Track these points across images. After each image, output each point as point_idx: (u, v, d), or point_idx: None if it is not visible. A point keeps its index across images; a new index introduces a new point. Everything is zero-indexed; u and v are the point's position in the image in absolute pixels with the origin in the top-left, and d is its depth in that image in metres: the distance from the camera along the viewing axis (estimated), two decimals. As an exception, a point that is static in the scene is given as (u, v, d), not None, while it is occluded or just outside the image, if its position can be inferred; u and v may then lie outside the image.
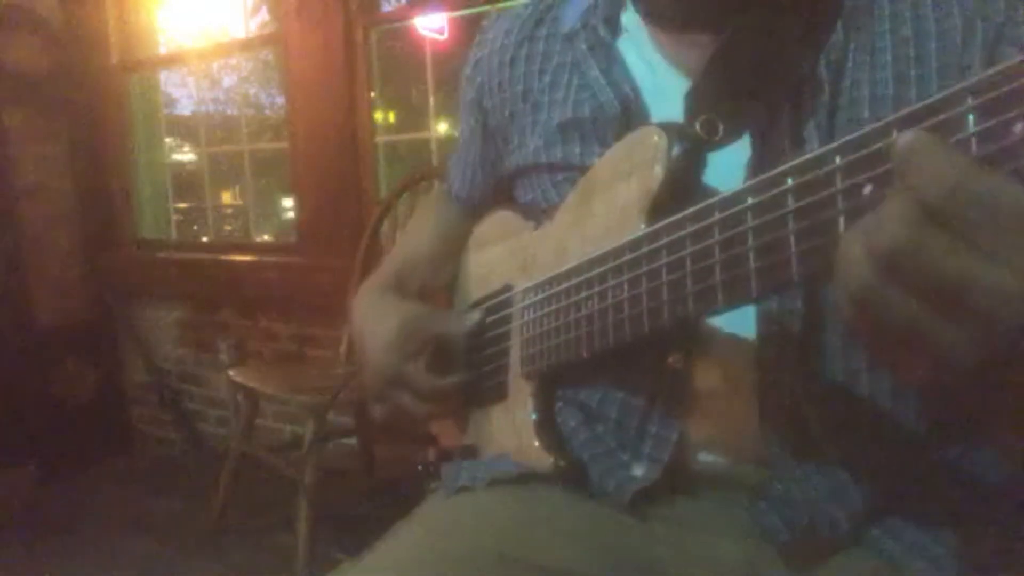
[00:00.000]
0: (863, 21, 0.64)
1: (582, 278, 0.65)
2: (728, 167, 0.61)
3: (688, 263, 0.53)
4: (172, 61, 3.50)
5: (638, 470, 0.67)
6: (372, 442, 2.49)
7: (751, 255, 0.48)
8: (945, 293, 0.37)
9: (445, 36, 2.99)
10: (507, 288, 0.81)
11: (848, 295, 0.40)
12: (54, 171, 3.23)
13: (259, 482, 2.39)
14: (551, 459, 0.70)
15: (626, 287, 0.60)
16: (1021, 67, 0.35)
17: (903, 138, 0.37)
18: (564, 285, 0.68)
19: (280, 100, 3.85)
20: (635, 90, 0.71)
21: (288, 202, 3.97)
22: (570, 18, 0.78)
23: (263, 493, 2.44)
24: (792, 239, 0.45)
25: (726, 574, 0.64)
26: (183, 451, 3.27)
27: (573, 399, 0.73)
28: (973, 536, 0.62)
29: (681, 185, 0.60)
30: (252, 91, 5.42)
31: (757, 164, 0.62)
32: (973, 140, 0.37)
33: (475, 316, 0.83)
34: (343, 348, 2.29)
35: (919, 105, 0.39)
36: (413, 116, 3.84)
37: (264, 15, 4.21)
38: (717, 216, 0.51)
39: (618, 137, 0.68)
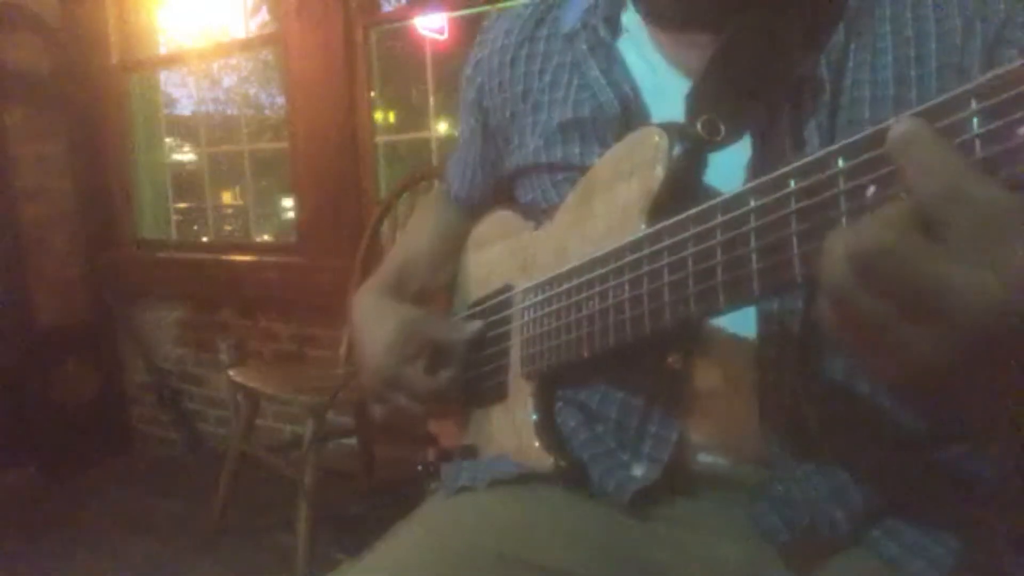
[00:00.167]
0: (864, 22, 0.64)
1: (583, 278, 0.65)
2: (729, 167, 0.61)
3: (690, 264, 0.53)
4: (172, 61, 3.50)
5: (638, 470, 0.67)
6: (372, 442, 2.49)
7: (754, 256, 0.48)
8: (919, 298, 0.38)
9: (445, 36, 2.99)
10: (507, 288, 0.81)
11: (824, 292, 0.41)
12: (54, 171, 3.23)
13: (259, 482, 2.39)
14: (551, 459, 0.70)
15: (627, 288, 0.60)
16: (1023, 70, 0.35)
17: (898, 127, 0.38)
18: (564, 285, 0.68)
19: (280, 100, 3.85)
20: (635, 90, 0.71)
21: (288, 202, 3.97)
22: (570, 18, 0.78)
23: (263, 493, 2.44)
24: (795, 240, 0.45)
25: (726, 574, 0.64)
26: (183, 451, 3.27)
27: (573, 399, 0.73)
28: (973, 537, 0.62)
29: (682, 185, 0.60)
30: (252, 91, 5.42)
31: (758, 164, 0.62)
32: (977, 142, 0.37)
33: (475, 325, 0.83)
34: (343, 348, 2.29)
35: (922, 107, 0.39)
36: (413, 116, 3.84)
37: (264, 15, 4.21)
38: (720, 218, 0.51)
39: (618, 137, 0.68)
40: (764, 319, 0.62)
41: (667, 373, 0.65)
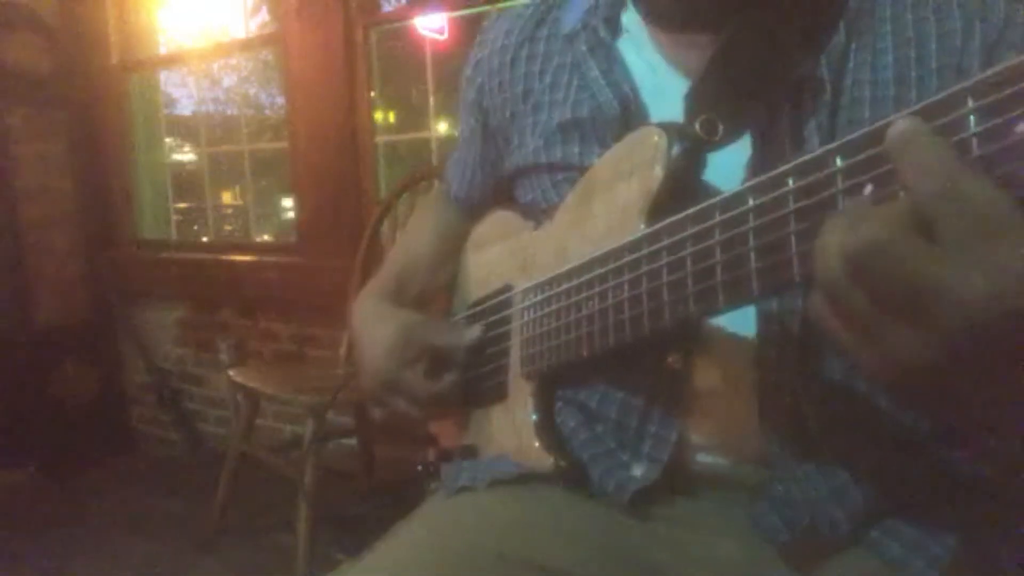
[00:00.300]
0: (864, 22, 0.64)
1: (582, 279, 0.66)
2: (728, 167, 0.61)
3: (689, 263, 0.53)
4: (172, 61, 3.50)
5: (638, 470, 0.67)
6: (372, 442, 2.49)
7: (752, 255, 0.48)
8: (910, 297, 0.38)
9: (445, 36, 2.99)
10: (507, 288, 0.81)
11: (818, 286, 0.42)
12: (54, 171, 3.23)
13: (259, 482, 2.39)
14: (551, 459, 0.70)
15: (627, 288, 0.60)
16: (1021, 67, 0.35)
17: (897, 126, 0.38)
18: (564, 285, 0.68)
19: (280, 100, 3.85)
20: (634, 90, 0.71)
21: (288, 202, 3.97)
22: (570, 19, 0.78)
23: (263, 493, 2.44)
24: (793, 239, 0.45)
25: (726, 574, 0.64)
26: (183, 451, 3.27)
27: (573, 399, 0.73)
28: (973, 537, 0.62)
29: (681, 185, 0.60)
30: (252, 91, 5.43)
31: (757, 164, 0.62)
32: (974, 140, 0.37)
33: (474, 331, 0.83)
34: (343, 348, 2.29)
35: (919, 106, 0.39)
36: (413, 116, 3.84)
37: (264, 15, 4.21)
38: (718, 217, 0.51)
39: (617, 137, 0.68)
40: (764, 319, 0.62)
41: (667, 373, 0.65)
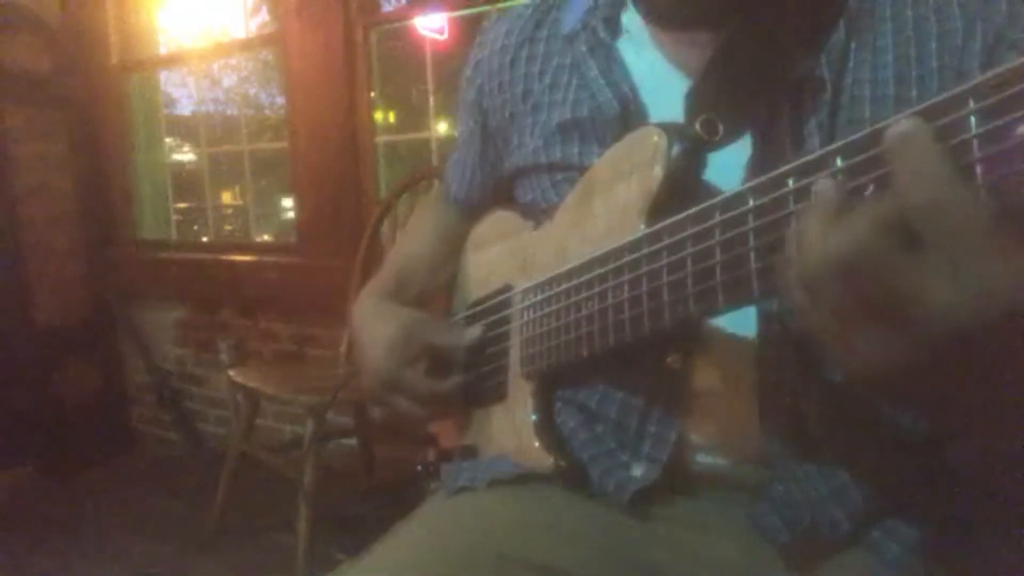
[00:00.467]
0: (865, 21, 0.64)
1: (582, 279, 0.66)
2: (729, 167, 0.61)
3: (689, 264, 0.53)
4: (172, 61, 3.50)
5: (637, 470, 0.67)
6: (372, 442, 2.49)
7: (752, 256, 0.48)
8: (888, 301, 0.39)
9: (445, 36, 2.99)
10: (507, 288, 0.81)
11: (799, 279, 0.42)
12: (54, 171, 3.23)
13: (259, 482, 2.39)
14: (551, 459, 0.70)
15: (626, 288, 0.60)
16: (1021, 69, 0.35)
17: (897, 126, 0.39)
18: (564, 285, 0.68)
19: (280, 100, 3.85)
20: (634, 90, 0.71)
21: (288, 202, 3.97)
22: (570, 19, 0.78)
23: (263, 493, 2.44)
24: (793, 239, 0.45)
25: (726, 574, 0.64)
26: (183, 451, 3.27)
27: (573, 399, 0.73)
28: (973, 537, 0.62)
29: (681, 185, 0.60)
30: (252, 91, 5.43)
31: (758, 164, 0.62)
32: (975, 142, 0.37)
33: (474, 330, 0.83)
34: (343, 348, 2.29)
35: (920, 107, 0.39)
36: (413, 116, 3.84)
37: (264, 15, 4.21)
38: (718, 217, 0.51)
39: (617, 137, 0.68)
40: (764, 319, 0.62)
41: (667, 373, 0.65)
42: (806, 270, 0.42)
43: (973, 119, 0.37)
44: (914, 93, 0.62)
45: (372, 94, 2.70)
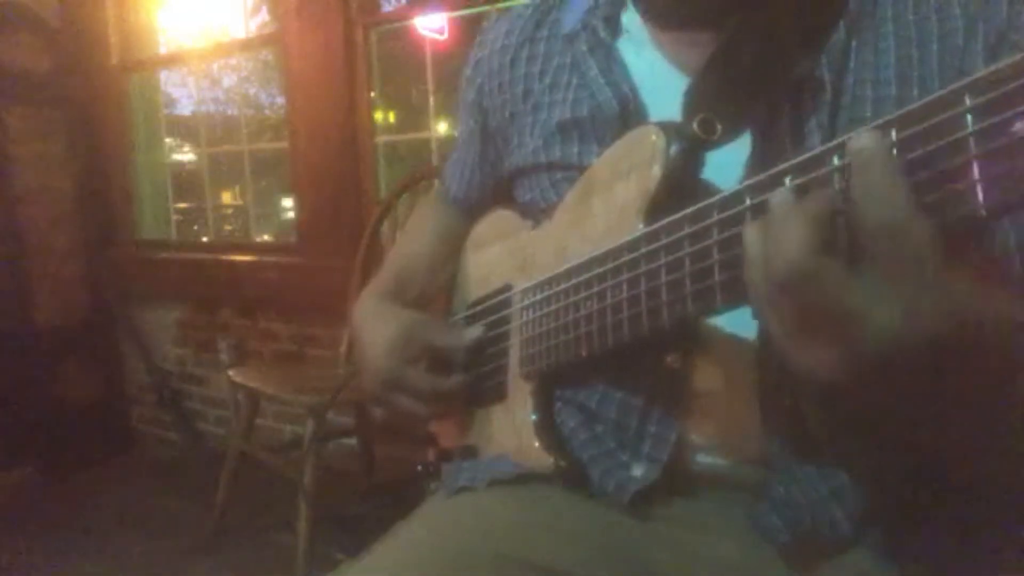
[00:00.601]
0: (865, 21, 0.64)
1: (581, 278, 0.65)
2: (728, 165, 0.61)
3: (687, 263, 0.53)
4: (172, 61, 3.50)
5: (637, 470, 0.67)
6: (372, 442, 2.48)
7: (751, 255, 0.48)
8: (829, 320, 0.41)
9: (445, 36, 2.99)
10: (506, 288, 0.81)
11: (752, 285, 0.45)
12: (54, 171, 3.23)
13: (259, 482, 2.39)
14: (551, 459, 0.70)
15: (625, 287, 0.60)
16: (1017, 67, 0.35)
17: (858, 141, 0.40)
18: (563, 285, 0.68)
19: (280, 100, 3.85)
20: (633, 89, 0.71)
21: (288, 202, 3.97)
22: (570, 19, 0.78)
23: (263, 493, 2.44)
24: (792, 239, 0.45)
25: (726, 574, 0.64)
26: (183, 451, 3.27)
27: (572, 399, 0.73)
28: (972, 537, 0.62)
29: (679, 184, 0.60)
30: (252, 91, 5.43)
31: (757, 163, 0.62)
32: (971, 139, 0.37)
33: (474, 331, 0.83)
34: (343, 348, 2.29)
35: (917, 104, 0.39)
36: (413, 116, 3.84)
37: (264, 15, 4.21)
38: (716, 216, 0.51)
39: (616, 137, 0.68)
40: (763, 319, 0.62)
41: (666, 373, 0.65)
42: (754, 287, 0.44)
43: (970, 116, 0.37)
44: (916, 93, 0.62)
45: (372, 94, 2.70)
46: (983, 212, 0.37)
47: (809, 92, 0.63)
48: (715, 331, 0.63)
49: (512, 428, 0.76)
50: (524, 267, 0.79)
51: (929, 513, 0.62)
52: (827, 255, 0.40)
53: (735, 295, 0.50)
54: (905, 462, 0.62)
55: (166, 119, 3.63)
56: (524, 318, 0.75)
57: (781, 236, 0.42)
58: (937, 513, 0.62)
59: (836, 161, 0.43)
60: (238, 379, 2.28)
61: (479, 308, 0.86)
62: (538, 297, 0.73)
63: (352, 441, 2.51)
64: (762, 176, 0.48)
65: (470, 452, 0.83)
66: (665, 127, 0.62)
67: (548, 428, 0.73)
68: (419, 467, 0.86)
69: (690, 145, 0.61)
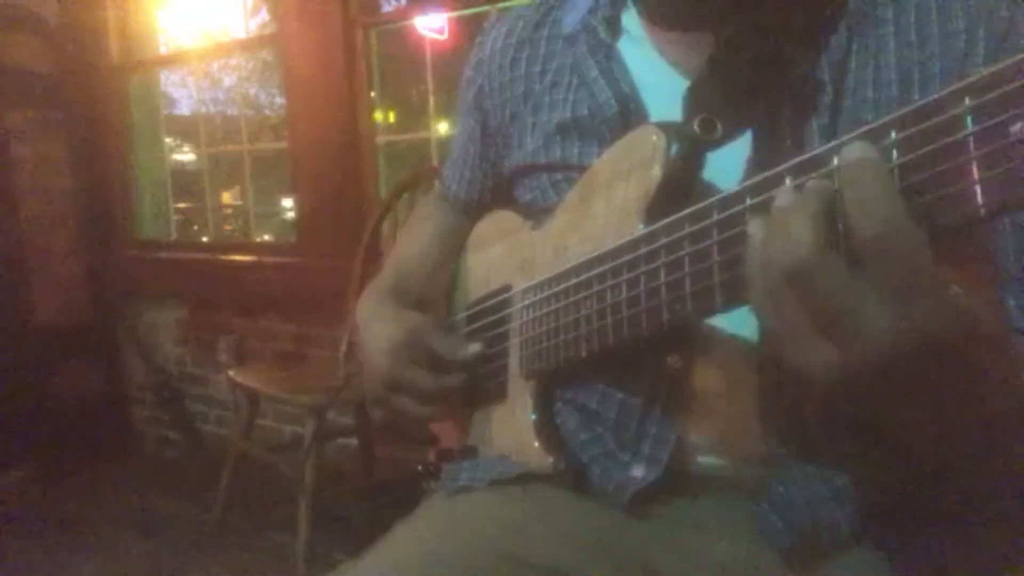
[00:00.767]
0: (866, 24, 0.64)
1: (581, 278, 0.65)
2: (729, 166, 0.61)
3: (687, 263, 0.53)
4: (172, 61, 3.50)
5: (637, 471, 0.67)
6: (372, 442, 2.49)
7: (750, 255, 0.48)
8: (832, 320, 0.41)
9: (445, 36, 2.99)
10: (506, 288, 0.81)
11: (755, 288, 0.45)
12: (54, 171, 3.23)
13: (259, 482, 2.39)
14: (551, 460, 0.70)
15: (625, 287, 0.60)
16: (1016, 68, 0.35)
17: (850, 152, 0.41)
18: (563, 285, 0.68)
19: (280, 100, 3.85)
20: (634, 90, 0.71)
21: (288, 202, 3.97)
22: (571, 20, 0.78)
23: (263, 493, 2.44)
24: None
25: (726, 574, 0.64)
26: (183, 451, 3.27)
27: (572, 400, 0.73)
28: (973, 537, 0.62)
29: (680, 184, 0.60)
30: (252, 91, 5.43)
31: (757, 163, 0.62)
32: (971, 140, 0.37)
33: (475, 347, 0.83)
34: (343, 349, 2.29)
35: (917, 104, 0.39)
36: (413, 116, 3.84)
37: (264, 15, 4.21)
38: (716, 216, 0.51)
39: (617, 137, 0.68)
40: (764, 319, 0.62)
41: (666, 373, 0.65)
42: (764, 284, 0.44)
43: (969, 117, 0.37)
44: (917, 95, 0.61)
45: (372, 94, 2.70)
46: (982, 213, 0.37)
47: (810, 93, 0.63)
48: (715, 331, 0.63)
49: (512, 428, 0.76)
50: (524, 267, 0.79)
51: (929, 513, 0.62)
52: (831, 252, 0.40)
53: (735, 295, 0.50)
54: (904, 463, 0.62)
55: (166, 119, 3.64)
56: (524, 318, 0.75)
57: (785, 231, 0.42)
58: (937, 513, 0.62)
59: (835, 161, 0.43)
60: (238, 379, 2.28)
61: (479, 308, 0.86)
62: (538, 297, 0.73)
63: (352, 441, 2.51)
64: (762, 176, 0.48)
65: (470, 452, 0.83)
66: (665, 127, 0.62)
67: (548, 428, 0.73)
68: (419, 467, 0.86)
69: (690, 145, 0.61)
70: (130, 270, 3.39)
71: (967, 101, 0.37)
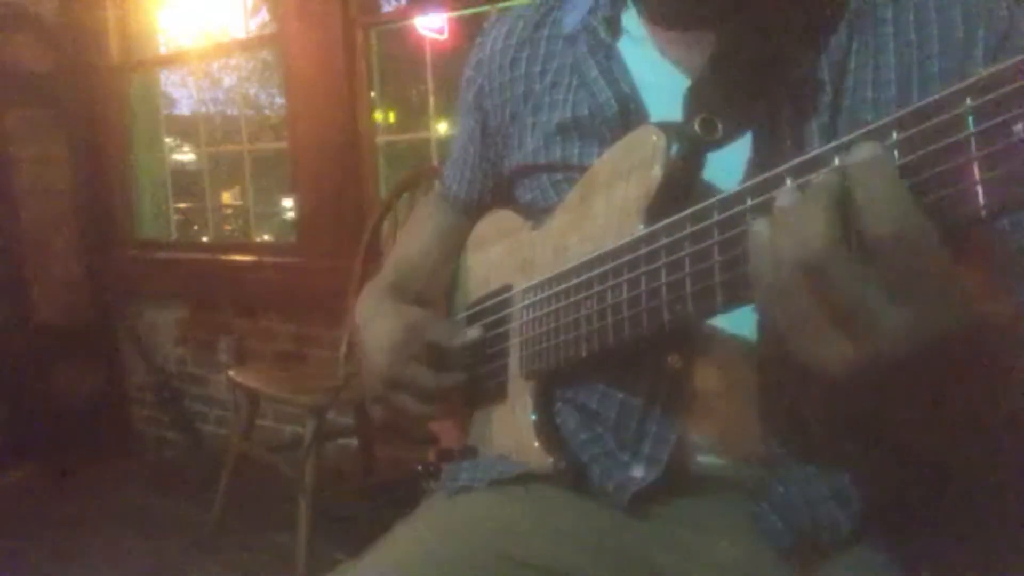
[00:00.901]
0: (866, 24, 0.64)
1: (581, 278, 0.65)
2: (729, 166, 0.61)
3: (687, 264, 0.53)
4: (172, 61, 3.50)
5: (637, 471, 0.67)
6: (372, 442, 2.49)
7: (750, 255, 0.48)
8: (850, 313, 0.41)
9: (445, 36, 2.99)
10: (506, 288, 0.81)
11: (765, 286, 0.44)
12: (54, 171, 3.23)
13: (259, 482, 2.39)
14: (551, 460, 0.70)
15: (625, 288, 0.60)
16: (1018, 68, 0.35)
17: (861, 152, 0.40)
18: (563, 285, 0.68)
19: (280, 100, 3.85)
20: (634, 90, 0.71)
21: (288, 202, 3.97)
22: (571, 20, 0.78)
23: (263, 493, 2.44)
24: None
25: (726, 574, 0.64)
26: (183, 451, 3.27)
27: (573, 400, 0.73)
28: (973, 536, 0.62)
29: (680, 184, 0.60)
30: (252, 91, 5.43)
31: (758, 163, 0.62)
32: (972, 140, 0.37)
33: (475, 332, 0.83)
34: (343, 349, 2.29)
35: (918, 104, 0.39)
36: (413, 116, 3.84)
37: (264, 15, 4.21)
38: (716, 217, 0.51)
39: (617, 137, 0.68)
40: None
41: (667, 373, 0.65)
42: (775, 281, 0.43)
43: (971, 117, 0.37)
44: (916, 95, 0.61)
45: (372, 94, 2.70)
46: (983, 214, 0.37)
47: (810, 93, 0.63)
48: (715, 331, 0.63)
49: (512, 428, 0.76)
50: (524, 267, 0.79)
51: (929, 513, 0.62)
52: (843, 245, 0.40)
53: (736, 295, 0.50)
54: (905, 462, 0.62)
55: (166, 119, 3.64)
56: (524, 318, 0.75)
57: (798, 224, 0.41)
58: (937, 513, 0.62)
59: (837, 162, 0.43)
60: (238, 379, 2.28)
61: (479, 308, 0.86)
62: (538, 297, 0.73)
63: (352, 441, 2.51)
64: (763, 176, 0.48)
65: (470, 452, 0.83)
66: (666, 127, 0.62)
67: (548, 428, 0.73)
68: (419, 467, 0.86)
69: (691, 145, 0.61)
70: (130, 270, 3.39)
71: (968, 101, 0.37)
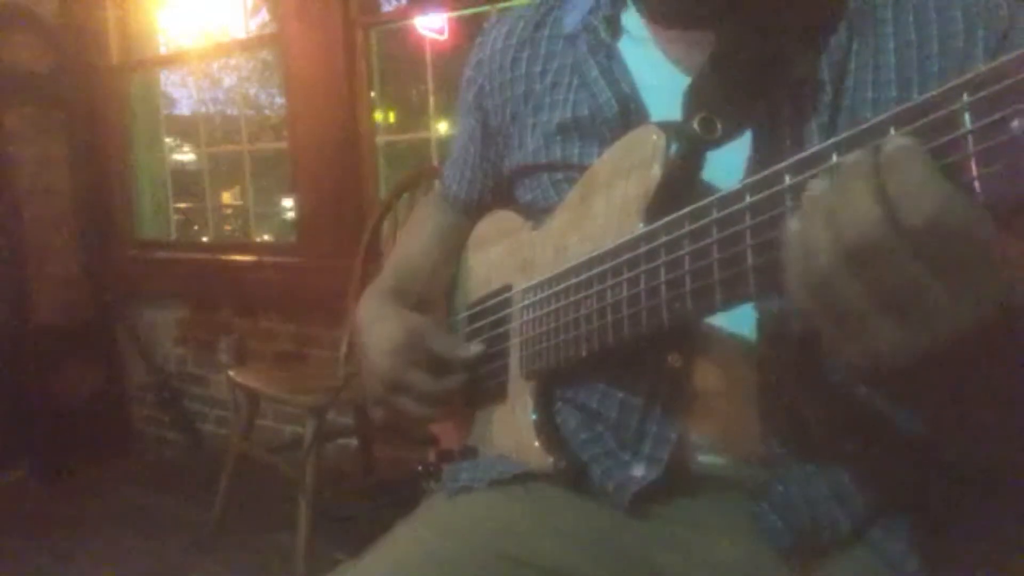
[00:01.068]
0: (866, 24, 0.64)
1: (581, 278, 0.66)
2: (729, 165, 0.61)
3: (687, 262, 0.53)
4: (172, 61, 3.50)
5: (638, 470, 0.67)
6: (372, 442, 2.49)
7: (749, 253, 0.48)
8: (904, 297, 0.39)
9: (445, 36, 2.99)
10: (507, 288, 0.81)
11: (805, 279, 0.42)
12: (54, 171, 3.23)
13: (259, 482, 2.39)
14: (551, 459, 0.70)
15: (625, 286, 0.60)
16: (1015, 64, 0.35)
17: (892, 144, 0.39)
18: (563, 285, 0.68)
19: (280, 100, 3.85)
20: (634, 89, 0.71)
21: (288, 202, 3.97)
22: (571, 20, 0.78)
23: (263, 493, 2.44)
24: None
25: (726, 574, 0.64)
26: (183, 451, 3.27)
27: (573, 399, 0.73)
28: (973, 536, 0.62)
29: (680, 184, 0.60)
30: (252, 91, 5.43)
31: (757, 162, 0.62)
32: (969, 136, 0.37)
33: (476, 348, 0.83)
34: (343, 349, 2.29)
35: (916, 101, 0.39)
36: (413, 116, 3.84)
37: (264, 15, 4.21)
38: (715, 215, 0.51)
39: (617, 137, 0.68)
40: (764, 319, 0.62)
41: (667, 373, 0.65)
42: (816, 272, 0.41)
43: (967, 114, 0.37)
44: (916, 95, 0.61)
45: (372, 94, 2.70)
46: None
47: (810, 93, 0.63)
48: (716, 331, 0.63)
49: (512, 428, 0.76)
50: (524, 267, 0.79)
51: (929, 512, 0.62)
52: (886, 225, 0.38)
53: (735, 293, 0.50)
54: (906, 462, 0.62)
55: (166, 119, 3.64)
56: (524, 318, 0.75)
57: (835, 212, 0.40)
58: (937, 513, 0.62)
59: (835, 158, 0.43)
60: (238, 379, 2.28)
61: (479, 308, 0.87)
62: (538, 297, 0.73)
63: (352, 441, 2.51)
64: (762, 175, 0.48)
65: (470, 452, 0.83)
66: (665, 127, 0.62)
67: (548, 428, 0.73)
68: (419, 467, 0.86)
69: (690, 144, 0.61)
70: (130, 270, 3.39)
71: (965, 97, 0.37)
